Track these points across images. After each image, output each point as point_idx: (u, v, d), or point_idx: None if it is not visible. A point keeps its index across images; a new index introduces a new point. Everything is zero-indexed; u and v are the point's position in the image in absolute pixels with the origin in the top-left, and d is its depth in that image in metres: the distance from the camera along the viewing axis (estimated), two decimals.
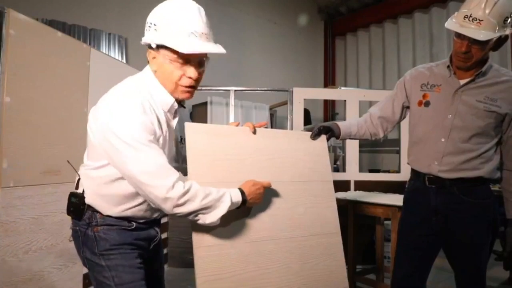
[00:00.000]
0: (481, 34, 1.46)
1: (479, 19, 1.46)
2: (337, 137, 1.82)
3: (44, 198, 2.08)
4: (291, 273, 1.47)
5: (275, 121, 5.55)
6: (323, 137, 1.74)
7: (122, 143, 1.14)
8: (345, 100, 3.92)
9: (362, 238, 3.63)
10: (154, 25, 1.23)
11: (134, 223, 1.32)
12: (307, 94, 3.97)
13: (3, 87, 1.84)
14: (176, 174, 1.19)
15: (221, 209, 1.24)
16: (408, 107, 1.87)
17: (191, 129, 1.41)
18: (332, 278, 1.56)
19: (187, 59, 1.23)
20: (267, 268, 1.42)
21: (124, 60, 4.84)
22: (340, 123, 1.86)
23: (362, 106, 3.89)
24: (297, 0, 7.76)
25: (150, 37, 1.23)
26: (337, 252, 1.61)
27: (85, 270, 2.37)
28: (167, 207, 1.17)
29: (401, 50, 7.09)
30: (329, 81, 8.23)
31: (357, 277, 3.00)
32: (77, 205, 1.30)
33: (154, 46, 1.23)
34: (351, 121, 1.94)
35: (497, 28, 1.46)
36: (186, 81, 1.26)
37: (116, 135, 1.14)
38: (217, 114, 4.60)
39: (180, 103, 1.35)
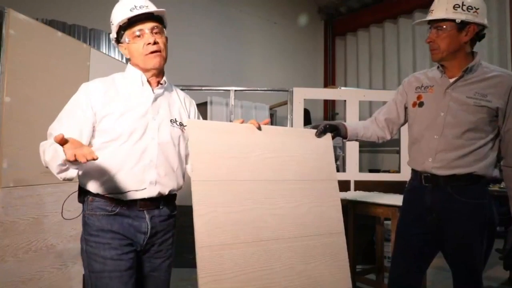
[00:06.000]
0: (433, 16, 1.66)
1: (432, 9, 1.69)
2: (344, 137, 1.82)
3: (44, 198, 2.08)
4: (295, 273, 1.46)
5: (275, 121, 5.54)
6: (328, 136, 1.73)
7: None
8: (345, 100, 3.92)
9: (362, 238, 3.63)
10: (112, 24, 1.43)
11: (118, 207, 1.36)
12: (307, 94, 3.97)
13: (3, 87, 1.84)
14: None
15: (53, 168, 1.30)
16: None
17: (194, 125, 1.39)
18: (335, 278, 1.55)
19: (140, 30, 1.39)
20: (270, 268, 1.40)
21: (124, 60, 4.82)
22: (347, 124, 1.86)
23: (362, 106, 3.89)
24: (297, 0, 7.76)
25: (112, 37, 1.44)
26: (341, 252, 1.60)
27: None
28: None
29: (401, 50, 7.09)
30: (329, 81, 8.22)
31: (357, 277, 2.99)
32: (78, 187, 1.42)
33: (114, 41, 1.43)
34: (357, 123, 1.96)
35: (446, 11, 1.61)
36: (148, 48, 1.39)
37: None
38: (217, 114, 4.59)
39: (159, 82, 1.47)
